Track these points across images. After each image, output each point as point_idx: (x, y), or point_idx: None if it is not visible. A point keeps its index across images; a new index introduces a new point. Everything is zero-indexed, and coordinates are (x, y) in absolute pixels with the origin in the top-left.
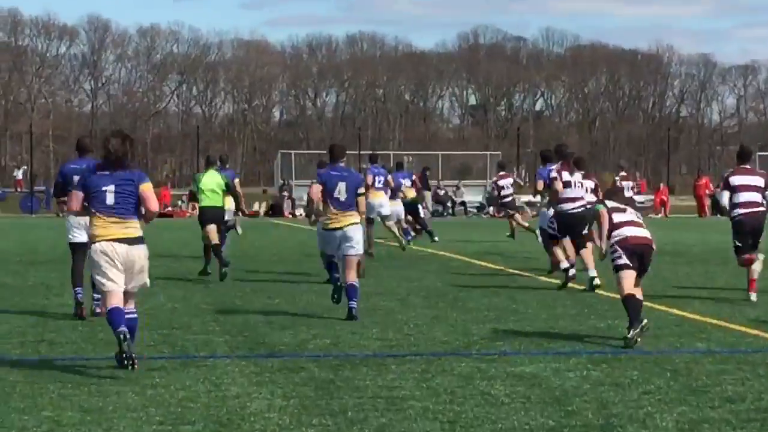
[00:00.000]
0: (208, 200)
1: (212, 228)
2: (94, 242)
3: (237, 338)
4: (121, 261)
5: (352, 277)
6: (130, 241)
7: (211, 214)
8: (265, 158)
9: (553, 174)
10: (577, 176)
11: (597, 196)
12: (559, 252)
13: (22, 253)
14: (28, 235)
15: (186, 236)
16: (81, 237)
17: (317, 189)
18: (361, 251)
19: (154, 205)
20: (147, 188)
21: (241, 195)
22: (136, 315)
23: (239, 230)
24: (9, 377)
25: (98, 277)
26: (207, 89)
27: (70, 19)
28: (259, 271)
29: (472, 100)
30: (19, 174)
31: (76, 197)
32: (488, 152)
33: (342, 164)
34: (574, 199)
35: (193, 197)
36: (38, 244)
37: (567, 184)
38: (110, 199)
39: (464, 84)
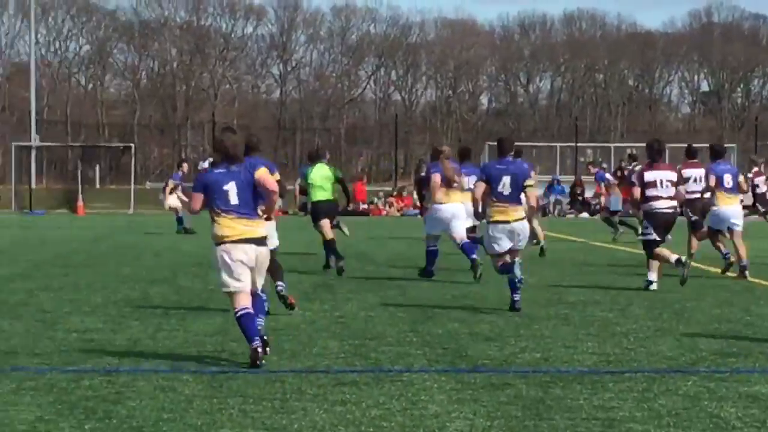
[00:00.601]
0: (320, 194)
1: (326, 222)
2: (221, 243)
3: (436, 350)
4: (249, 261)
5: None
6: (257, 241)
7: (324, 208)
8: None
9: (633, 179)
10: (667, 174)
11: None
12: (664, 254)
13: (202, 254)
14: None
15: (383, 234)
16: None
17: (482, 188)
18: (522, 247)
19: (272, 185)
20: (262, 172)
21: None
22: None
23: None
24: (185, 390)
25: (226, 278)
26: (407, 74)
27: None
28: (461, 273)
29: (705, 86)
30: (205, 164)
31: (197, 198)
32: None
33: (510, 157)
34: (660, 198)
35: (303, 193)
36: None
37: (651, 185)
38: (233, 198)
39: (696, 68)
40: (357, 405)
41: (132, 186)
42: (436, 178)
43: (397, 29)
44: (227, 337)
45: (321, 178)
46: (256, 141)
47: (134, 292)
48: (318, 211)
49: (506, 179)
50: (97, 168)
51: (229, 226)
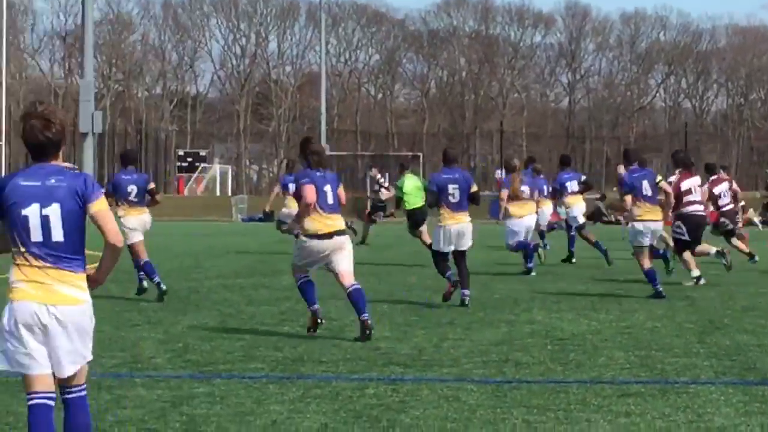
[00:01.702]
0: (415, 202)
1: (424, 229)
2: (309, 234)
3: (724, 362)
4: (332, 250)
5: (648, 265)
6: (340, 233)
7: (420, 214)
8: (763, 159)
9: (669, 189)
10: (697, 181)
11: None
12: (692, 258)
13: (489, 264)
14: (491, 243)
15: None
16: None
17: (630, 198)
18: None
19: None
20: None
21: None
22: (358, 286)
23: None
24: (470, 400)
25: (299, 264)
26: (698, 81)
27: (546, 5)
28: (749, 285)
29: None
30: (500, 174)
31: (312, 191)
32: None
33: (636, 165)
34: (695, 203)
35: (399, 203)
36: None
37: (687, 192)
38: (330, 198)
39: None
40: (642, 416)
41: None
42: (504, 194)
43: (687, 36)
44: (512, 347)
45: (414, 187)
46: (455, 153)
47: (420, 301)
48: (417, 217)
49: (645, 183)
50: (387, 177)
51: (323, 222)
